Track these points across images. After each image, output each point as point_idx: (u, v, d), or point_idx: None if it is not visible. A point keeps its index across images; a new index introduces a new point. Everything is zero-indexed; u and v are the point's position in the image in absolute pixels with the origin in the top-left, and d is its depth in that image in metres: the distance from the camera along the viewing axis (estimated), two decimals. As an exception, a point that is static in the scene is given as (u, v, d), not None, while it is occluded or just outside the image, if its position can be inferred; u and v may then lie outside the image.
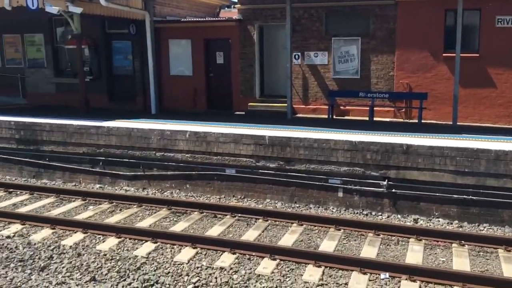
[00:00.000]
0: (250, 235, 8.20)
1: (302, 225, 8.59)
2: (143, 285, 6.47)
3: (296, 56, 14.13)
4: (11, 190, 10.73)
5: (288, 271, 6.89)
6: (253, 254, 7.36)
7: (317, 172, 9.74)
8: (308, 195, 9.92)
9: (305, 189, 9.92)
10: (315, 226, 8.55)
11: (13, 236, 8.15)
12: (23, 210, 9.44)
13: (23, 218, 8.79)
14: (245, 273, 6.82)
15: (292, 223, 8.69)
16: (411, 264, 6.92)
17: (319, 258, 7.06)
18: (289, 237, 8.09)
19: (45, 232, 8.34)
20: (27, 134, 12.06)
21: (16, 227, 8.54)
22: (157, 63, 14.94)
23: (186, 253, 7.49)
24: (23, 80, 17.24)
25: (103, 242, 7.97)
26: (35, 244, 7.82)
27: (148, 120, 12.47)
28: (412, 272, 6.61)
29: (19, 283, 6.50)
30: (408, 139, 9.47)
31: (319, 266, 6.93)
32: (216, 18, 18.03)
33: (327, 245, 7.74)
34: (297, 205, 9.86)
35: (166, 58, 15.69)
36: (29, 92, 17.23)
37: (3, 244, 7.75)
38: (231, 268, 6.95)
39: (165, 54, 15.65)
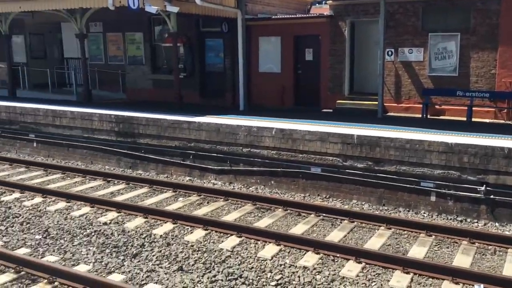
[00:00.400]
0: (335, 236, 8.03)
1: (390, 228, 8.26)
2: (227, 278, 6.59)
3: (389, 53, 13.63)
4: (110, 179, 11.44)
5: (374, 275, 6.66)
6: (338, 255, 7.20)
7: (408, 174, 9.32)
8: (398, 198, 9.52)
9: (394, 191, 9.53)
10: (404, 230, 8.19)
11: (109, 223, 8.68)
12: (119, 198, 10.02)
13: (119, 206, 9.33)
14: (329, 274, 6.69)
15: (380, 226, 8.38)
16: (509, 276, 6.38)
17: (408, 264, 6.74)
18: (376, 241, 7.82)
19: (138, 220, 8.79)
20: (125, 127, 12.79)
21: (112, 214, 9.09)
22: (247, 60, 15.16)
23: (269, 249, 7.52)
24: (123, 76, 18.34)
25: (191, 233, 8.23)
26: (128, 231, 8.27)
27: (236, 116, 12.69)
28: (511, 285, 6.09)
29: (112, 268, 6.90)
30: (510, 142, 8.74)
31: (408, 273, 6.62)
32: (307, 15, 17.91)
33: (417, 251, 7.37)
34: (385, 208, 9.51)
35: (256, 55, 15.88)
36: (128, 88, 18.29)
37: (100, 230, 8.28)
38: (314, 268, 6.86)
39: (255, 52, 15.84)
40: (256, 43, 15.78)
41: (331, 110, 14.37)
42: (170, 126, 12.14)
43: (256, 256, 7.30)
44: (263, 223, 8.67)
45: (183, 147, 12.02)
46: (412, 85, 13.59)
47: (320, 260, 7.10)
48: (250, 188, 10.99)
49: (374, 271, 6.75)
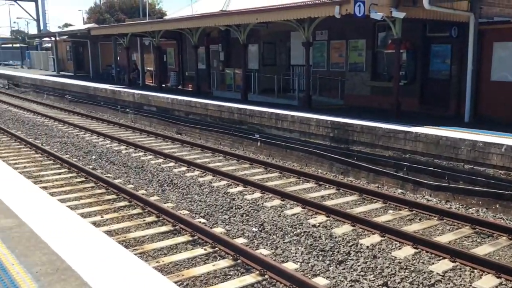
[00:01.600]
0: None
1: None
2: (435, 305, 6.14)
3: None
4: (321, 183, 11.79)
5: None
6: None
7: None
8: None
9: None
10: None
11: (318, 226, 8.94)
12: (328, 203, 10.23)
13: (328, 211, 9.53)
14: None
15: None
16: None
17: None
18: None
19: (346, 228, 8.84)
20: (340, 133, 13.01)
21: (321, 218, 9.34)
22: (476, 68, 13.86)
23: (488, 280, 6.73)
24: (342, 82, 18.70)
25: (399, 249, 7.91)
26: (336, 237, 8.39)
27: (459, 129, 11.72)
28: None
29: (318, 271, 7.09)
30: None
31: None
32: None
33: None
34: None
35: (488, 62, 14.36)
36: (347, 94, 18.56)
37: (309, 232, 8.60)
38: (543, 314, 5.89)
39: (487, 58, 14.35)
40: (489, 49, 14.28)
41: None
42: (384, 135, 11.89)
43: (471, 286, 6.63)
44: (482, 250, 7.81)
45: (397, 157, 11.63)
46: None
47: (552, 306, 6.06)
48: (470, 210, 10.02)
49: None
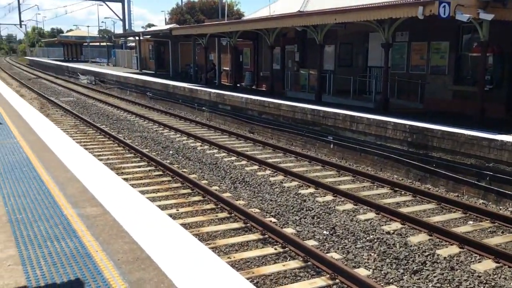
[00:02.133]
0: None
1: None
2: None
3: None
4: (396, 189, 11.43)
5: None
6: None
7: None
8: None
9: None
10: None
11: (392, 233, 8.67)
12: (404, 210, 9.89)
13: (404, 218, 9.21)
14: None
15: None
16: None
17: None
18: None
19: (422, 236, 8.51)
20: (419, 138, 12.54)
21: (396, 225, 9.05)
22: None
23: None
24: (422, 86, 18.00)
25: (479, 262, 7.50)
26: (411, 246, 8.10)
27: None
28: None
29: (391, 280, 6.88)
30: None
31: None
32: None
33: None
34: None
35: None
36: (426, 98, 17.85)
37: (382, 238, 8.36)
38: None
39: None
40: None
41: None
42: (467, 141, 11.31)
43: (560, 308, 6.14)
44: None
45: (480, 166, 11.01)
46: None
47: None
48: (561, 226, 9.28)
49: None
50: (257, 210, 9.76)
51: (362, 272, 7.01)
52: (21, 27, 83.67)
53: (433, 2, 12.28)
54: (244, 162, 13.86)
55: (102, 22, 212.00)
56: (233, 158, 14.43)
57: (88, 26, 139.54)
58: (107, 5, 57.83)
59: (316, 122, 16.20)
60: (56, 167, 7.69)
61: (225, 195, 10.57)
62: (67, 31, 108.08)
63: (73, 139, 11.53)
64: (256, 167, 13.34)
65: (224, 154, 14.95)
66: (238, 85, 27.58)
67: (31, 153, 8.71)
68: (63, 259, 4.37)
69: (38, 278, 4.01)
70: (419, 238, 8.44)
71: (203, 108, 23.80)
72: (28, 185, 6.65)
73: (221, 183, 11.79)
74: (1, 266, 4.23)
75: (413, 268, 7.26)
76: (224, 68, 32.69)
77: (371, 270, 7.16)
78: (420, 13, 12.80)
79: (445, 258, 7.63)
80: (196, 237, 7.84)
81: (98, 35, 78.36)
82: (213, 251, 7.44)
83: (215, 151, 15.37)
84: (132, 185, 10.65)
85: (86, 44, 71.34)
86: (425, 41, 17.88)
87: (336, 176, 12.77)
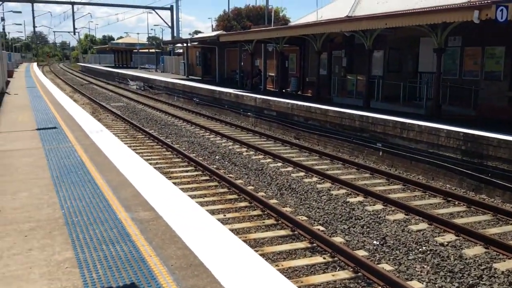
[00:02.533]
0: None
1: None
2: None
3: None
4: (450, 199, 11.02)
5: None
6: None
7: None
8: None
9: None
10: None
11: (446, 245, 8.35)
12: (458, 221, 9.52)
13: (458, 230, 8.85)
14: None
15: None
16: None
17: None
18: None
19: (478, 249, 8.15)
20: (473, 147, 12.07)
21: (450, 236, 8.71)
22: None
23: None
24: (476, 92, 17.36)
25: (541, 279, 7.10)
26: (466, 258, 7.77)
27: None
28: None
29: (446, 294, 6.62)
30: None
31: None
32: None
33: None
34: None
35: None
36: (480, 104, 17.19)
37: (436, 250, 8.07)
38: None
39: None
40: None
41: None
42: (526, 151, 10.77)
43: None
44: None
45: (541, 177, 10.46)
46: None
47: None
48: None
49: None
50: (305, 218, 9.64)
51: (415, 285, 6.77)
52: (74, 34, 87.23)
53: (489, 5, 11.83)
54: (290, 169, 13.77)
55: (151, 29, 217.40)
56: (279, 164, 14.36)
57: (138, 34, 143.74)
58: (156, 13, 59.32)
59: (365, 128, 15.91)
60: (109, 171, 7.88)
61: (272, 201, 10.51)
62: (118, 38, 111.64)
63: (124, 143, 11.81)
64: (302, 173, 13.23)
65: (269, 160, 14.91)
66: (284, 91, 27.52)
67: (86, 157, 8.97)
68: (118, 263, 4.43)
69: (94, 282, 4.08)
70: (474, 250, 8.09)
71: (249, 113, 23.89)
72: (83, 188, 6.83)
73: (267, 189, 11.75)
74: (59, 268, 4.34)
75: (469, 282, 6.96)
76: (270, 73, 32.74)
77: (424, 283, 6.91)
78: (476, 17, 12.35)
79: (503, 272, 7.28)
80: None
81: (147, 42, 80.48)
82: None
83: (261, 156, 15.36)
84: (181, 190, 10.79)
85: (136, 51, 73.37)
86: (479, 46, 17.25)
87: (385, 184, 12.46)
